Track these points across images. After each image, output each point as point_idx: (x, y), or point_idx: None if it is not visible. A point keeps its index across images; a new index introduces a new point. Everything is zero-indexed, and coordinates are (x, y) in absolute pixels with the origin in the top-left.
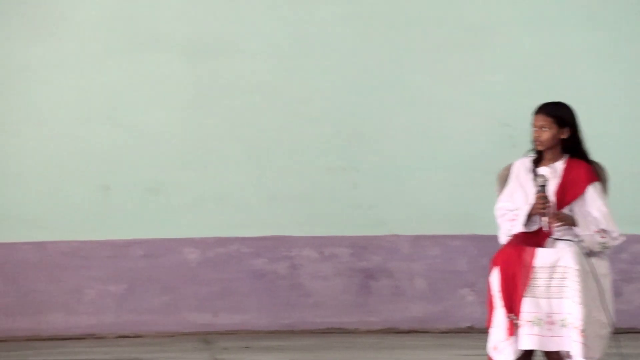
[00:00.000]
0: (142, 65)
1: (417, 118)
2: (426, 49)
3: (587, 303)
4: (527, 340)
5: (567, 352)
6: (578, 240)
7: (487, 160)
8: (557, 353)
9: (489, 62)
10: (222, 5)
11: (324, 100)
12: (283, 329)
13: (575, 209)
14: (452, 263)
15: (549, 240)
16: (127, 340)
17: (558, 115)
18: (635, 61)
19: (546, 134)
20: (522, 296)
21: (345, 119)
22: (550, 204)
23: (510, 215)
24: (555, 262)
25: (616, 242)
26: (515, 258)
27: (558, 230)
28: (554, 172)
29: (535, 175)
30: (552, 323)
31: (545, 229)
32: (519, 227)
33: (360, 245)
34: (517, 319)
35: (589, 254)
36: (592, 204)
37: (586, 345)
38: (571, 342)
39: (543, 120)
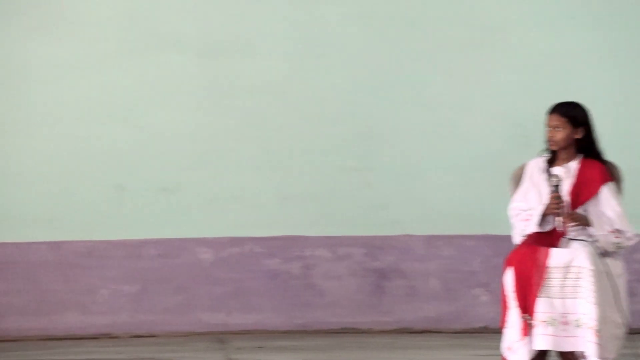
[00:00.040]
0: (156, 65)
1: (431, 118)
2: (440, 49)
3: (601, 303)
4: (542, 340)
5: (582, 353)
6: (592, 240)
7: (501, 160)
8: (571, 353)
9: (503, 62)
10: (236, 6)
11: (337, 101)
12: (296, 329)
13: (590, 209)
14: (466, 263)
15: (563, 240)
16: (141, 340)
17: (572, 115)
18: None
19: (560, 134)
20: (536, 296)
21: (359, 119)
22: (564, 204)
23: (524, 215)
24: (570, 262)
25: (630, 242)
26: (530, 258)
27: (572, 230)
28: (568, 172)
29: (549, 175)
30: (566, 323)
31: (559, 229)
32: (533, 227)
33: (373, 245)
34: (532, 319)
35: (603, 254)
36: (606, 204)
37: (601, 345)
38: (586, 342)
39: (557, 120)
